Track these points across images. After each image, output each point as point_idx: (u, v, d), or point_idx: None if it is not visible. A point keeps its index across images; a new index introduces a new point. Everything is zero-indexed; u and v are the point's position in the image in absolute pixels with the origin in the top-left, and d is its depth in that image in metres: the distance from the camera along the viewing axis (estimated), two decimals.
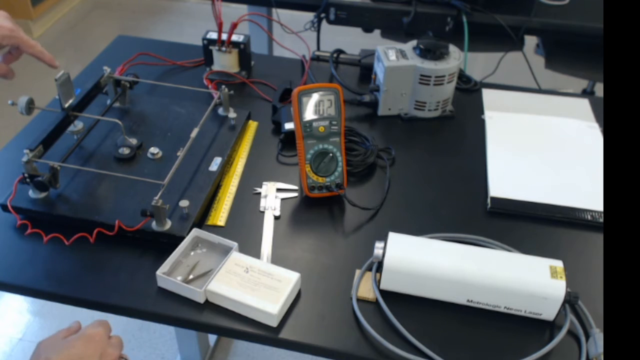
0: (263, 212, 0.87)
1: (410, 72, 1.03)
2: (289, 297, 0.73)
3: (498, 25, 1.40)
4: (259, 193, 0.90)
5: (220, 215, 0.86)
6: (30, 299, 1.82)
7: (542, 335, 0.72)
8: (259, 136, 1.02)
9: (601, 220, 0.87)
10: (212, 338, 1.70)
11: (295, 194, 0.90)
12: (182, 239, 0.78)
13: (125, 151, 0.91)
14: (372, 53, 1.19)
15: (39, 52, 0.87)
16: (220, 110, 1.02)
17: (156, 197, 0.77)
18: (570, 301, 0.70)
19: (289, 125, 0.99)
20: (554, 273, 0.71)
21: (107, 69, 1.00)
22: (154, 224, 0.80)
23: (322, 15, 1.42)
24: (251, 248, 0.81)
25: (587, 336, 0.71)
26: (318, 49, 1.33)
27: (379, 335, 0.69)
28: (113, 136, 0.95)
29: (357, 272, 0.78)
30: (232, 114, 1.00)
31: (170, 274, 0.75)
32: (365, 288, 0.76)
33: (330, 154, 0.87)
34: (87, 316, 1.76)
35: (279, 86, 1.11)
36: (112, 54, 1.23)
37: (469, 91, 1.17)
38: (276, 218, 0.86)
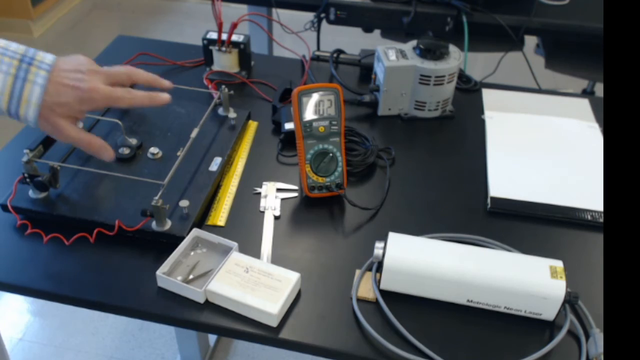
0: (263, 212, 0.87)
1: (410, 72, 1.03)
2: (289, 297, 0.73)
3: (498, 25, 1.40)
4: (259, 193, 0.90)
5: (220, 215, 0.86)
6: (30, 299, 1.83)
7: (542, 335, 0.72)
8: (259, 136, 1.02)
9: (601, 220, 0.87)
10: (212, 338, 1.70)
11: (295, 194, 0.90)
12: (182, 239, 0.78)
13: (125, 151, 0.91)
14: (372, 53, 1.19)
15: (152, 79, 0.77)
16: (220, 110, 1.02)
17: (156, 197, 0.77)
18: (570, 301, 0.70)
19: (289, 125, 0.99)
20: (554, 273, 0.71)
21: None
22: (154, 224, 0.80)
23: (322, 15, 1.42)
24: (251, 248, 0.81)
25: (587, 336, 0.71)
26: (318, 49, 1.33)
27: (379, 335, 0.69)
28: (113, 136, 0.95)
29: (357, 272, 0.78)
30: (232, 114, 1.00)
31: (170, 274, 0.75)
32: (365, 288, 0.76)
33: (330, 154, 0.87)
34: (86, 316, 1.76)
35: (279, 86, 1.11)
36: (112, 54, 1.23)
37: (469, 91, 1.17)
38: (276, 218, 0.86)
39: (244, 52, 1.13)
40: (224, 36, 1.11)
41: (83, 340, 1.71)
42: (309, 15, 1.44)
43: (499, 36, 1.41)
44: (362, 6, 1.40)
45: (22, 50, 0.64)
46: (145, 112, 1.01)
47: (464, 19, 1.38)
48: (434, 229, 0.85)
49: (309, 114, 0.85)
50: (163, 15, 3.43)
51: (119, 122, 0.90)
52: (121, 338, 1.73)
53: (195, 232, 0.80)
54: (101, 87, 0.67)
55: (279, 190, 0.91)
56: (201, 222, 0.85)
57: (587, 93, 2.24)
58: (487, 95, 1.16)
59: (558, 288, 0.70)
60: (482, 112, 1.11)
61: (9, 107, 0.64)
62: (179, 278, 0.74)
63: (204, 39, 1.13)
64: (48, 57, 0.66)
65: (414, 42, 1.07)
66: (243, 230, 0.84)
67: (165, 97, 0.72)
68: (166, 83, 0.76)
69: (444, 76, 1.03)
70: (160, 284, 0.75)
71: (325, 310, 0.74)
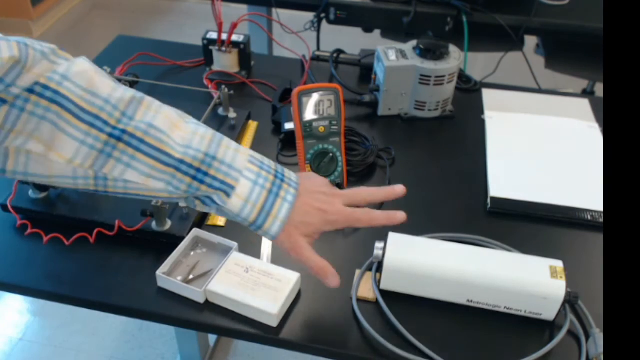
0: None
1: (410, 72, 1.03)
2: (289, 297, 0.73)
3: (498, 25, 1.40)
4: None
5: None
6: (30, 299, 1.83)
7: (542, 335, 0.72)
8: (259, 136, 1.02)
9: (601, 220, 0.87)
10: (212, 338, 1.70)
11: None
12: (182, 239, 0.78)
13: None
14: (372, 53, 1.19)
15: (387, 196, 0.73)
16: (220, 110, 1.02)
17: None
18: (570, 301, 0.70)
19: (289, 125, 0.99)
20: (554, 273, 0.71)
21: (107, 69, 1.00)
22: (154, 224, 0.79)
23: (322, 15, 1.42)
24: (251, 248, 0.81)
25: (587, 336, 0.71)
26: (318, 49, 1.33)
27: (379, 335, 0.69)
28: None
29: (357, 272, 0.78)
30: (232, 114, 1.00)
31: (170, 274, 0.75)
32: (365, 288, 0.76)
33: (330, 154, 0.87)
34: (86, 316, 1.76)
35: (279, 86, 1.11)
36: (112, 54, 1.23)
37: (469, 91, 1.17)
38: None
39: (244, 52, 1.13)
40: (224, 36, 1.11)
41: (83, 340, 1.71)
42: (309, 15, 1.44)
43: (499, 36, 1.41)
44: (362, 6, 1.40)
45: (273, 166, 0.65)
46: None
47: (464, 19, 1.38)
48: (434, 229, 0.85)
49: (309, 114, 0.85)
50: (163, 15, 3.43)
51: None
52: (121, 338, 1.72)
53: (195, 232, 0.80)
54: (343, 209, 0.67)
55: None
56: (201, 222, 0.85)
57: (587, 93, 2.23)
58: (487, 95, 1.16)
59: (558, 288, 0.70)
60: (482, 112, 1.11)
61: (256, 218, 0.64)
62: (179, 278, 0.74)
63: (204, 39, 1.13)
64: (293, 176, 0.66)
65: (414, 42, 1.07)
66: (243, 230, 0.84)
67: (402, 216, 0.71)
68: (399, 190, 0.73)
69: (444, 76, 1.03)
70: (160, 284, 0.75)
71: (325, 310, 0.74)
